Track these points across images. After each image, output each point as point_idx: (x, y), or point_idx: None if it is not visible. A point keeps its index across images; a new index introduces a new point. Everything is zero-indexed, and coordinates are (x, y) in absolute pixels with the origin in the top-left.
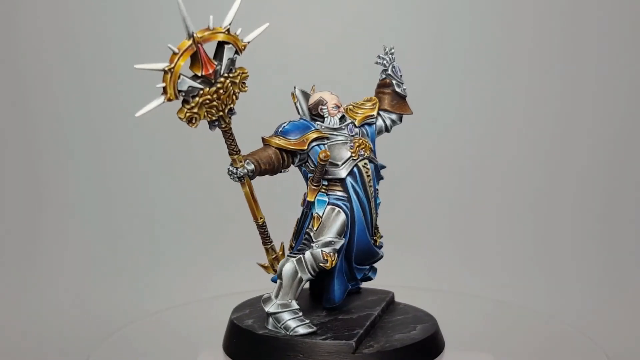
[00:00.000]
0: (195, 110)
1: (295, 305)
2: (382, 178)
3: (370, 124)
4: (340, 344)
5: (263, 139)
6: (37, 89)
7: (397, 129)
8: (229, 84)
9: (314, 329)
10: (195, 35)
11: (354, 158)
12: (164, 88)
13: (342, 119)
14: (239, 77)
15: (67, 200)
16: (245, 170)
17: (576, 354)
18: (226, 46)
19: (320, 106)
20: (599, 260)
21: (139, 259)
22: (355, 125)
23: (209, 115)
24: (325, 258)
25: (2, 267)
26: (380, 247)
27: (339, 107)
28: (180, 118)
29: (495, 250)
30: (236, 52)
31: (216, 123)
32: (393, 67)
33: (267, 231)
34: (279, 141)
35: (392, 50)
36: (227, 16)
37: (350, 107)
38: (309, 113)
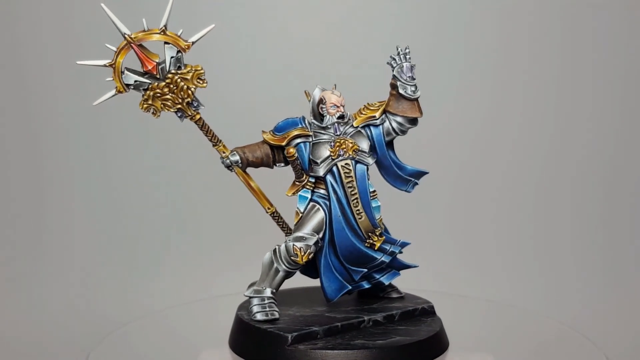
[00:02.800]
0: (150, 102)
1: (267, 293)
2: (416, 184)
3: (375, 126)
4: (279, 335)
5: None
6: (38, 90)
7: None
8: (179, 80)
9: (270, 317)
10: (127, 35)
11: (333, 157)
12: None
13: (341, 118)
14: (190, 74)
15: (72, 199)
16: (229, 161)
17: (576, 356)
18: (166, 45)
19: (320, 105)
20: (599, 261)
21: (142, 258)
22: (353, 126)
23: (167, 107)
24: (295, 252)
25: (7, 264)
26: (389, 252)
27: (337, 107)
28: (140, 109)
29: (495, 252)
30: (179, 51)
31: (180, 114)
32: (401, 67)
33: (283, 221)
34: (266, 136)
35: (407, 51)
36: (162, 18)
37: (362, 107)
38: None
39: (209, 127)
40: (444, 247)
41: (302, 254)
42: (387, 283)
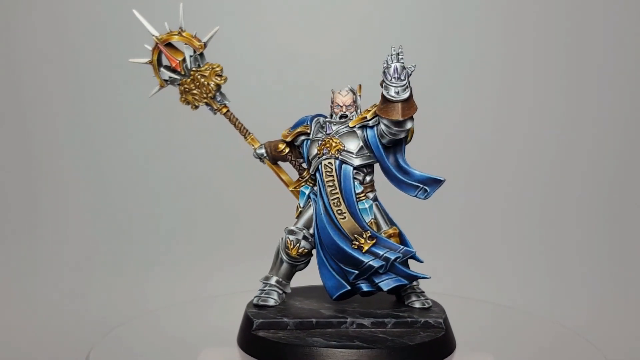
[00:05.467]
0: (184, 96)
1: (272, 280)
2: (425, 190)
3: (371, 127)
4: (249, 320)
5: None
6: (32, 86)
7: None
8: (199, 77)
9: (261, 302)
10: (155, 37)
11: (319, 156)
12: None
13: (343, 117)
14: (207, 71)
15: (65, 199)
16: (255, 154)
17: (577, 359)
18: (185, 45)
19: (331, 104)
20: (605, 267)
21: (138, 258)
22: (349, 126)
23: (196, 101)
24: (287, 245)
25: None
26: (382, 257)
27: (340, 107)
28: (180, 103)
29: (498, 254)
30: (195, 50)
31: (209, 108)
32: (388, 67)
33: None
34: (283, 131)
35: (399, 51)
36: (179, 21)
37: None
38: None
39: (236, 120)
40: (452, 250)
41: (292, 247)
42: (385, 289)
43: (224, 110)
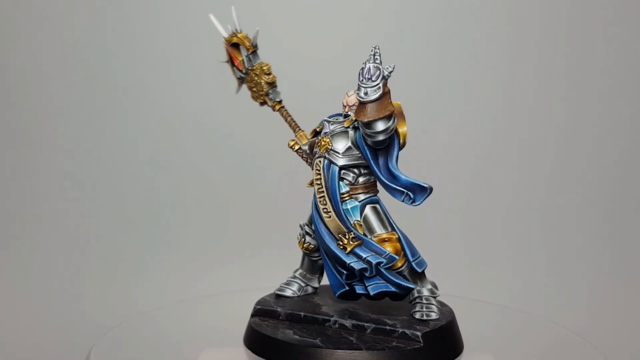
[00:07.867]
0: (251, 93)
1: (296, 273)
2: (408, 196)
3: (358, 128)
4: (254, 306)
5: None
6: (29, 83)
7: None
8: (254, 75)
9: (277, 292)
10: (223, 38)
11: (314, 154)
12: None
13: (346, 117)
14: (258, 69)
15: (60, 201)
16: (299, 148)
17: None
18: (240, 46)
19: None
20: (602, 267)
21: (134, 257)
22: (343, 126)
23: (257, 98)
24: (298, 239)
25: None
26: (364, 260)
27: (344, 107)
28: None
29: (500, 256)
30: (247, 50)
31: (267, 105)
32: (362, 68)
33: None
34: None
35: (375, 51)
36: (234, 23)
37: None
38: None
39: (289, 116)
40: (454, 251)
41: (299, 241)
42: (372, 294)
43: (277, 107)
